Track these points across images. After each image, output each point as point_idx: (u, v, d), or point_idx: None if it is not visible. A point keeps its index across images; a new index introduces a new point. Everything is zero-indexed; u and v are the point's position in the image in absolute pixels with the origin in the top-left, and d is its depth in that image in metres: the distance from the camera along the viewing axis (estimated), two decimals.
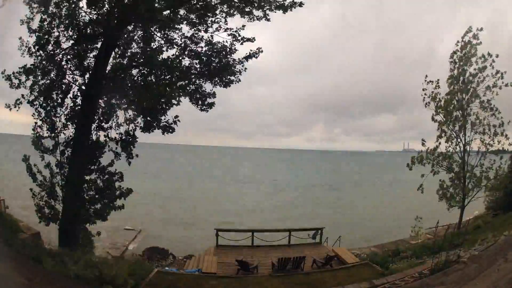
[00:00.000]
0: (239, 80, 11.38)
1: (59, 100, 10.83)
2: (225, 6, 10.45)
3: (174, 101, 11.11)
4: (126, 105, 11.24)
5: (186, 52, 11.24)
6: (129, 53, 11.35)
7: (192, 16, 10.70)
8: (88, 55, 10.91)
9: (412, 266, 10.65)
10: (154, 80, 11.10)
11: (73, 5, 10.27)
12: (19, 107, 10.49)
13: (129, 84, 11.15)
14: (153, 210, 30.72)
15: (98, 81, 10.63)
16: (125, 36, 11.10)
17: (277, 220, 28.61)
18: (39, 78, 10.54)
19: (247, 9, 10.52)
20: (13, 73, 10.24)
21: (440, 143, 15.80)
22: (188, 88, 11.37)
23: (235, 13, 10.62)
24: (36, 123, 10.66)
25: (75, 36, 10.56)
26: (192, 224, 26.73)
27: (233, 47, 11.09)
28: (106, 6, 10.18)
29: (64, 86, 10.87)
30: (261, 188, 52.96)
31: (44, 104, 10.66)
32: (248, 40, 10.96)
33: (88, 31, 10.56)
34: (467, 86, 15.30)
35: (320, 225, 17.42)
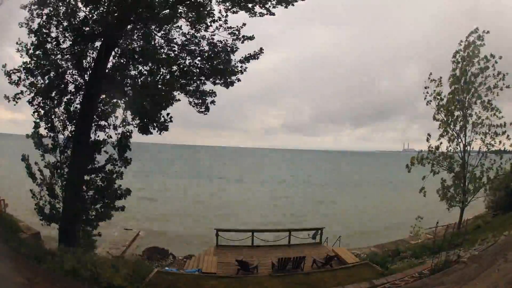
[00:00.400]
0: (239, 80, 11.39)
1: (59, 100, 10.82)
2: (228, 4, 10.40)
3: (173, 101, 11.12)
4: (125, 105, 11.25)
5: (186, 51, 11.23)
6: (129, 53, 11.33)
7: (192, 14, 10.67)
8: (87, 54, 10.90)
9: (412, 266, 10.66)
10: (154, 79, 11.10)
11: (71, 5, 10.26)
12: (17, 101, 10.50)
13: (129, 84, 11.15)
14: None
15: (98, 81, 10.62)
16: (125, 35, 11.08)
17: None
18: (39, 77, 10.55)
19: (249, 5, 10.48)
20: (14, 69, 10.30)
21: (441, 143, 15.80)
22: (188, 87, 11.37)
23: (237, 9, 10.58)
24: (36, 123, 10.65)
25: (74, 36, 10.55)
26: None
27: (234, 47, 11.08)
28: (103, 5, 10.15)
29: (63, 85, 10.86)
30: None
31: (43, 104, 10.66)
32: (248, 38, 10.95)
33: (88, 31, 10.55)
34: (468, 86, 15.30)
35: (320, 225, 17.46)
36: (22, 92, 10.47)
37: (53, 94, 10.73)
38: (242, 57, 11.11)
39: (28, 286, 6.66)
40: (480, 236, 12.04)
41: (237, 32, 10.83)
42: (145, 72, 11.21)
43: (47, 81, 10.63)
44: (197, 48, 11.23)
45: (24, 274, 7.01)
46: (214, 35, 10.94)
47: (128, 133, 11.33)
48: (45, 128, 10.70)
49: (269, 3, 10.37)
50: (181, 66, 11.23)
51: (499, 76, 14.67)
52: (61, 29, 10.48)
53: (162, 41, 11.18)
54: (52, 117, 10.76)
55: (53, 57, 10.53)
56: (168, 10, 10.35)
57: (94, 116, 11.06)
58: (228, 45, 11.04)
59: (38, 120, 10.66)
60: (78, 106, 10.93)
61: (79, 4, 10.20)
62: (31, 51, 10.34)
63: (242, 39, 10.95)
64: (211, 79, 11.38)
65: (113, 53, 11.03)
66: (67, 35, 10.56)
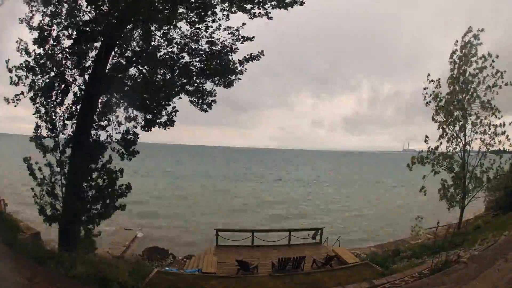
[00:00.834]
0: (239, 79, 11.40)
1: (59, 99, 10.82)
2: (226, 4, 10.42)
3: (174, 99, 11.14)
4: (126, 104, 11.24)
5: (185, 50, 11.23)
6: (129, 52, 11.34)
7: (192, 14, 10.69)
8: (87, 54, 10.90)
9: (412, 266, 10.64)
10: (154, 78, 11.10)
11: (73, 4, 10.26)
12: (17, 102, 10.48)
13: (129, 83, 11.15)
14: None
15: (98, 80, 10.61)
16: (125, 35, 11.09)
17: None
18: (39, 76, 10.55)
19: (248, 7, 10.49)
20: (14, 66, 10.25)
21: (441, 143, 15.81)
22: (188, 86, 11.37)
23: (236, 10, 10.59)
24: (37, 122, 10.66)
25: (75, 36, 10.56)
26: None
27: (233, 47, 11.09)
28: (106, 5, 10.16)
29: (63, 85, 10.86)
30: None
31: (44, 103, 10.66)
32: (248, 39, 10.95)
33: (88, 30, 10.55)
34: (467, 86, 15.31)
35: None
36: (22, 93, 10.46)
37: (53, 94, 10.72)
38: (243, 58, 11.12)
39: (28, 286, 6.67)
40: (480, 236, 12.03)
41: (236, 33, 10.84)
42: (146, 72, 11.20)
43: (47, 80, 10.62)
44: (197, 48, 11.24)
45: (24, 274, 7.01)
46: (214, 34, 10.95)
47: (132, 130, 11.31)
48: (45, 128, 10.69)
49: (268, 4, 10.37)
50: (181, 66, 11.24)
51: (497, 75, 14.67)
52: (61, 28, 10.47)
53: (162, 41, 11.18)
54: (53, 116, 10.75)
55: (53, 55, 10.53)
56: (168, 11, 10.36)
57: (94, 116, 11.05)
58: (228, 45, 11.05)
59: (38, 120, 10.65)
60: (78, 106, 10.91)
61: (82, 4, 10.20)
62: (32, 47, 10.34)
63: (242, 39, 10.96)
64: (210, 79, 11.39)
65: (113, 53, 11.03)
66: (67, 34, 10.56)
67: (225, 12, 10.49)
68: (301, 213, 33.19)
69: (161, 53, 11.19)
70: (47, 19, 10.34)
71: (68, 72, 10.87)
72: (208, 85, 11.51)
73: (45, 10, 10.32)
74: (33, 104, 10.54)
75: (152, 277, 9.99)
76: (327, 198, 43.59)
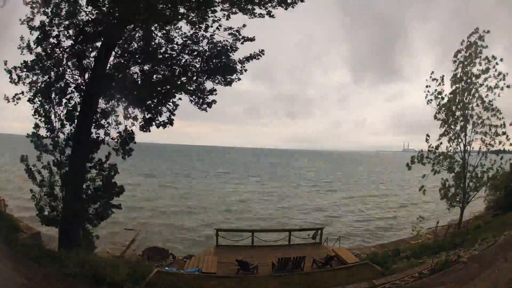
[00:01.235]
0: (239, 79, 11.41)
1: (58, 99, 10.83)
2: (227, 4, 10.40)
3: (174, 99, 11.14)
4: (125, 104, 11.25)
5: (186, 50, 11.23)
6: (129, 52, 11.34)
7: (192, 14, 10.68)
8: (88, 54, 10.90)
9: (412, 266, 10.62)
10: (154, 78, 11.11)
11: (73, 4, 10.26)
12: (17, 102, 10.51)
13: (129, 83, 11.15)
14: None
15: (98, 80, 10.62)
16: (125, 35, 11.09)
17: None
18: (39, 76, 10.56)
19: (248, 7, 10.47)
20: (14, 67, 10.27)
21: (441, 142, 15.82)
22: (188, 85, 11.37)
23: (236, 11, 10.57)
24: (36, 123, 10.66)
25: (75, 35, 10.56)
26: None
27: (233, 47, 11.08)
28: (106, 5, 10.16)
29: (63, 85, 10.87)
30: None
31: (44, 103, 10.66)
32: (249, 39, 10.94)
33: (88, 30, 10.55)
34: (469, 86, 15.33)
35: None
36: (22, 92, 10.47)
37: (53, 94, 10.72)
38: (243, 57, 11.12)
39: (28, 286, 6.67)
40: (480, 236, 12.02)
41: (237, 33, 10.83)
42: (146, 71, 11.20)
43: (47, 80, 10.62)
44: (197, 47, 11.23)
45: (24, 274, 7.02)
46: (214, 35, 10.95)
47: (130, 129, 11.34)
48: (44, 128, 10.70)
49: (270, 4, 10.35)
50: (182, 65, 11.24)
51: (499, 76, 14.72)
52: (62, 28, 10.47)
53: (163, 40, 11.18)
54: (52, 116, 10.75)
55: (54, 55, 10.53)
56: (169, 11, 10.35)
57: (94, 115, 11.05)
58: (228, 45, 11.04)
59: (38, 120, 10.66)
60: (78, 105, 10.92)
61: (82, 3, 10.20)
62: (32, 46, 10.33)
63: (242, 40, 10.95)
64: (211, 78, 11.39)
65: (113, 53, 11.04)
66: (67, 34, 10.57)
67: (225, 13, 10.49)
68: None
69: (162, 52, 11.21)
70: (47, 19, 10.35)
71: (68, 72, 10.89)
72: (208, 84, 11.55)
73: (46, 10, 10.32)
74: (32, 104, 10.56)
75: (152, 277, 9.97)
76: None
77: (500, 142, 14.92)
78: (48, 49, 10.48)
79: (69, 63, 10.86)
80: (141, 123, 11.30)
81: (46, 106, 10.67)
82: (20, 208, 18.44)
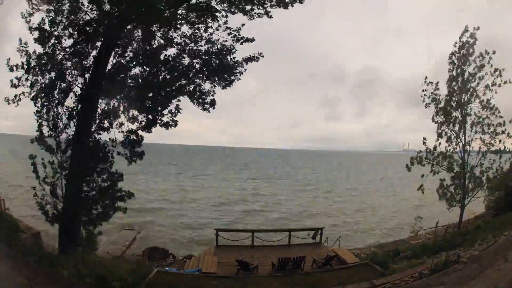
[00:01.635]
0: (239, 79, 11.41)
1: (60, 99, 10.82)
2: (225, 4, 10.40)
3: (173, 100, 11.15)
4: (126, 104, 11.24)
5: (186, 51, 11.23)
6: (129, 53, 11.34)
7: (192, 15, 10.68)
8: (88, 54, 10.90)
9: (412, 266, 10.64)
10: (154, 79, 11.10)
11: (74, 3, 10.25)
12: (18, 103, 10.48)
13: (129, 83, 11.15)
14: None
15: (98, 81, 10.62)
16: (126, 35, 11.09)
17: None
18: (40, 77, 10.55)
19: (247, 7, 10.47)
20: (16, 65, 10.26)
21: (440, 143, 15.83)
22: (187, 87, 11.37)
23: (235, 11, 10.57)
24: (39, 122, 10.67)
25: (75, 35, 10.55)
26: None
27: (232, 48, 11.08)
28: (107, 5, 10.15)
29: (64, 85, 10.87)
30: None
31: (46, 103, 10.66)
32: (248, 40, 10.94)
33: (89, 30, 10.54)
34: (466, 86, 15.33)
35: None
36: (23, 93, 10.46)
37: (54, 94, 10.72)
38: (242, 59, 11.12)
39: (28, 286, 6.66)
40: (480, 236, 12.03)
41: (236, 34, 10.83)
42: (146, 72, 11.20)
43: (47, 80, 10.62)
44: (196, 48, 11.23)
45: (24, 274, 7.01)
46: (213, 35, 10.95)
47: (134, 130, 11.31)
48: (47, 127, 10.70)
49: (268, 3, 10.35)
50: (181, 67, 11.23)
51: (496, 73, 14.70)
52: (62, 28, 10.47)
53: (163, 41, 11.18)
54: (54, 116, 10.75)
55: (54, 55, 10.53)
56: (169, 11, 10.35)
57: (95, 116, 11.05)
58: (227, 46, 11.04)
59: (40, 120, 10.65)
60: (79, 105, 10.91)
61: (83, 3, 10.19)
62: (33, 48, 10.35)
63: (241, 40, 10.95)
64: (209, 79, 11.38)
65: (113, 53, 11.03)
66: (68, 34, 10.56)
67: (224, 13, 10.49)
68: None
69: (162, 54, 11.21)
70: (47, 18, 10.35)
71: (69, 72, 10.88)
72: (207, 86, 11.55)
73: (46, 9, 10.32)
74: (34, 103, 10.54)
75: (152, 277, 9.99)
76: None
77: (500, 141, 14.92)
78: (48, 49, 10.48)
79: (70, 63, 10.85)
80: (143, 124, 11.29)
81: (47, 106, 10.67)
82: (15, 207, 18.36)
